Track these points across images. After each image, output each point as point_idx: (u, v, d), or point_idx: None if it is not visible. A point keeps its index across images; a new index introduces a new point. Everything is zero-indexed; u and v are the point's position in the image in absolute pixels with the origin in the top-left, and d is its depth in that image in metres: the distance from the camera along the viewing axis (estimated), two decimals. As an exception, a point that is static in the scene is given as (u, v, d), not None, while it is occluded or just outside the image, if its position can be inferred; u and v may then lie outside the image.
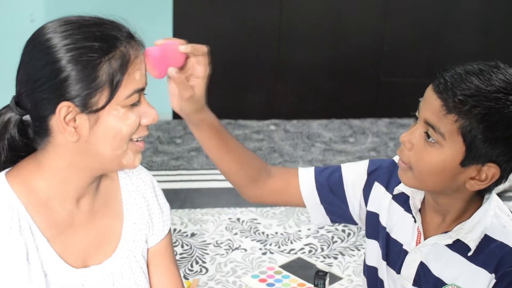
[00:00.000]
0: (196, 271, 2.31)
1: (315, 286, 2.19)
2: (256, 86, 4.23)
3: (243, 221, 2.66)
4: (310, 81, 4.25)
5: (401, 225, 1.38)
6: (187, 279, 2.26)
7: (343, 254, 2.44)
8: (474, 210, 1.29)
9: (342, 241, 2.53)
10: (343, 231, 2.61)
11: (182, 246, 2.46)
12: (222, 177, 3.26)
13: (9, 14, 3.93)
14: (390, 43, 4.23)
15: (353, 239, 2.55)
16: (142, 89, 1.22)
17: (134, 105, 1.20)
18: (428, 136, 1.23)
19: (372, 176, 1.44)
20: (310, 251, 2.46)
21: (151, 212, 1.39)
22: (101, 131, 1.18)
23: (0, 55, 3.72)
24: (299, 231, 2.60)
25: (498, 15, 4.26)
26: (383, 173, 1.43)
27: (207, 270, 2.33)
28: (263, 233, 2.58)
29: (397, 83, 4.31)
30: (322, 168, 1.50)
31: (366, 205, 1.45)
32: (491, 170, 1.22)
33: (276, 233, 2.59)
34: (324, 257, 2.42)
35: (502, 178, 1.25)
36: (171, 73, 1.29)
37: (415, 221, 1.35)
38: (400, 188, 1.37)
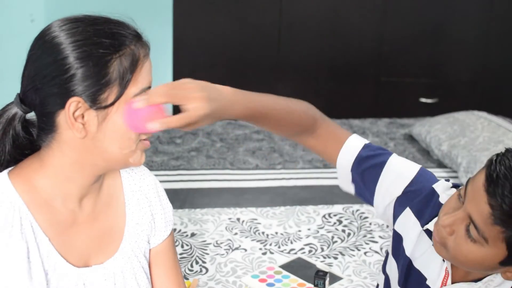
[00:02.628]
0: (196, 271, 2.31)
1: (315, 286, 2.19)
2: (256, 86, 4.22)
3: (243, 221, 2.66)
4: (310, 81, 4.25)
5: (428, 259, 1.34)
6: (187, 279, 2.26)
7: (343, 254, 2.44)
8: None
9: (342, 241, 2.53)
10: (343, 231, 2.61)
11: (182, 246, 2.46)
12: (222, 177, 3.26)
13: (9, 14, 3.93)
14: (390, 43, 4.23)
15: (353, 239, 2.55)
16: (149, 88, 1.23)
17: None
18: (469, 232, 1.18)
19: (407, 197, 1.37)
20: (310, 251, 2.46)
21: (154, 212, 1.39)
22: (110, 128, 1.19)
23: (0, 55, 3.72)
24: (299, 231, 2.60)
25: (498, 15, 4.26)
26: (419, 201, 1.36)
27: (207, 270, 2.33)
28: (263, 233, 2.58)
29: (397, 83, 4.31)
30: (368, 152, 1.42)
31: (394, 220, 1.40)
32: None
33: (276, 233, 2.59)
34: (324, 257, 2.42)
35: None
36: (149, 128, 1.21)
37: (443, 260, 1.31)
38: (429, 227, 1.32)
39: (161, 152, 3.39)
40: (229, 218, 2.68)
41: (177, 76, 4.12)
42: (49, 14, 3.90)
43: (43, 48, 1.19)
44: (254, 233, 2.58)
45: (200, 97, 1.21)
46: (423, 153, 3.53)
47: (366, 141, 1.45)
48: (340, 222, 2.68)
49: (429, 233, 1.33)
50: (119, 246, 1.33)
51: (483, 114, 3.61)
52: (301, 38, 4.18)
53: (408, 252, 1.37)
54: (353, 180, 1.44)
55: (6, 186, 1.22)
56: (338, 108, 4.24)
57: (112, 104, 1.18)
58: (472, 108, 4.00)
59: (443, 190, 1.34)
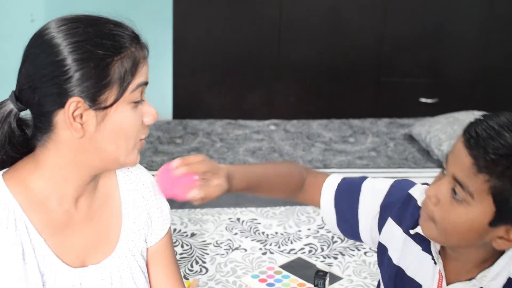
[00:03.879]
0: (196, 271, 2.31)
1: (315, 286, 2.19)
2: (256, 86, 4.23)
3: (243, 221, 2.66)
4: (310, 81, 4.25)
5: (419, 265, 1.33)
6: (187, 279, 2.26)
7: (343, 254, 2.44)
8: (497, 255, 1.24)
9: (342, 241, 2.53)
10: (343, 231, 2.61)
11: (182, 246, 2.46)
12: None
13: (9, 14, 3.93)
14: (390, 43, 4.23)
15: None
16: (145, 84, 1.23)
17: (137, 103, 1.22)
18: (455, 193, 1.17)
19: (385, 210, 1.39)
20: (310, 251, 2.46)
21: (150, 211, 1.39)
22: (108, 128, 1.19)
23: (0, 55, 3.72)
24: (299, 231, 2.60)
25: (498, 14, 4.26)
26: (397, 209, 1.37)
27: (207, 270, 2.32)
28: (263, 233, 2.58)
29: (397, 83, 4.31)
30: (344, 185, 1.47)
31: (379, 233, 1.41)
32: None
33: (276, 233, 2.59)
34: (324, 257, 2.42)
35: None
36: (191, 196, 1.31)
37: (435, 263, 1.30)
38: (418, 230, 1.32)
39: (161, 152, 3.39)
40: (229, 218, 2.68)
41: (177, 76, 4.12)
42: (49, 14, 3.90)
43: (42, 48, 1.18)
44: (254, 233, 2.58)
45: (222, 175, 1.31)
46: (423, 153, 3.53)
47: (343, 176, 1.49)
48: (340, 222, 2.68)
49: (415, 238, 1.33)
50: (116, 246, 1.33)
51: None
52: (301, 38, 4.17)
53: (395, 261, 1.37)
54: (339, 221, 1.47)
55: (1, 188, 1.21)
56: (338, 108, 4.24)
57: (112, 105, 1.18)
58: (472, 108, 4.00)
59: (421, 193, 1.34)
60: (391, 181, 1.43)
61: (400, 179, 1.45)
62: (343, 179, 1.48)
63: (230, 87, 4.19)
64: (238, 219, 2.68)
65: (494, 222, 1.16)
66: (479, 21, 4.26)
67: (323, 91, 4.27)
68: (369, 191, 1.43)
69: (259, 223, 2.65)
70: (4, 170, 1.26)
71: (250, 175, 1.42)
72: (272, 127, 3.85)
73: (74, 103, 1.16)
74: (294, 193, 1.50)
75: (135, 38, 1.22)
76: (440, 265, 1.29)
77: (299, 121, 3.96)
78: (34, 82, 1.18)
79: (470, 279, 1.26)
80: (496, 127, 1.14)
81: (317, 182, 1.50)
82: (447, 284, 1.29)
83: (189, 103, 4.15)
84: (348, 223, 1.46)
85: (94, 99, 1.17)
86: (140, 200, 1.38)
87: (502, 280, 1.23)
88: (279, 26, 4.15)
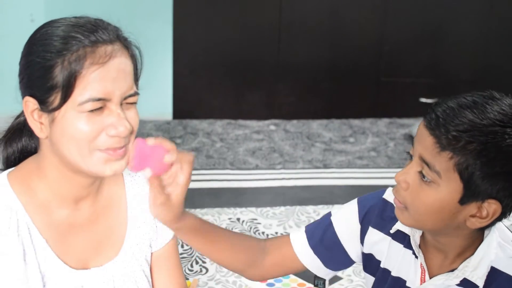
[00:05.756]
0: (196, 271, 2.31)
1: (315, 286, 2.19)
2: (256, 86, 4.23)
3: (243, 221, 2.66)
4: (310, 81, 4.25)
5: (402, 262, 1.34)
6: (187, 279, 2.26)
7: (343, 254, 2.44)
8: (477, 244, 1.25)
9: (342, 241, 2.53)
10: (343, 231, 2.61)
11: (182, 246, 2.46)
12: (222, 177, 3.26)
13: (9, 14, 3.93)
14: (390, 43, 4.23)
15: (353, 239, 2.55)
16: (103, 99, 1.14)
17: (94, 113, 1.14)
18: (424, 176, 1.18)
19: (365, 222, 1.39)
20: (310, 251, 2.46)
21: None
22: (58, 132, 1.16)
23: (0, 55, 3.72)
24: (299, 231, 2.60)
25: (498, 14, 4.26)
26: (375, 216, 1.37)
27: (207, 270, 2.32)
28: (263, 233, 2.58)
29: (397, 83, 4.31)
30: (313, 228, 1.43)
31: (362, 245, 1.41)
32: (492, 207, 1.16)
33: (276, 233, 2.59)
34: (324, 257, 2.42)
35: (504, 214, 1.19)
36: (145, 176, 1.15)
37: (416, 257, 1.31)
38: (397, 227, 1.32)
39: (161, 152, 3.39)
40: (229, 218, 2.68)
41: (177, 76, 4.12)
42: (49, 14, 3.90)
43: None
44: (254, 233, 2.58)
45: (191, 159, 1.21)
46: (423, 153, 3.53)
47: (302, 228, 1.47)
48: (340, 222, 2.67)
49: (397, 237, 1.34)
50: (120, 249, 1.32)
51: (483, 114, 3.61)
52: (301, 38, 4.17)
53: (382, 264, 1.37)
54: (324, 263, 1.44)
55: (4, 188, 1.22)
56: (338, 108, 4.24)
57: (57, 108, 1.14)
58: (472, 108, 3.99)
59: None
60: (355, 200, 1.42)
61: (361, 196, 1.44)
62: (307, 227, 1.45)
63: (230, 87, 4.19)
64: (238, 219, 2.68)
65: (464, 199, 1.17)
66: (479, 21, 4.26)
67: (323, 91, 4.26)
68: (341, 219, 1.42)
69: (259, 223, 2.65)
70: (9, 170, 1.26)
71: (207, 223, 1.33)
72: (272, 127, 3.85)
73: (29, 103, 1.17)
74: (256, 261, 1.41)
75: (99, 41, 1.15)
76: (421, 259, 1.30)
77: (299, 121, 3.97)
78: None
79: (452, 271, 1.26)
80: (455, 107, 1.16)
81: (281, 241, 1.44)
82: (430, 277, 1.29)
83: (189, 103, 4.15)
84: (335, 259, 1.44)
85: (42, 100, 1.16)
86: (146, 205, 1.36)
87: (484, 269, 1.23)
88: (279, 26, 4.14)
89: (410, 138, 3.70)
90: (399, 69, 4.29)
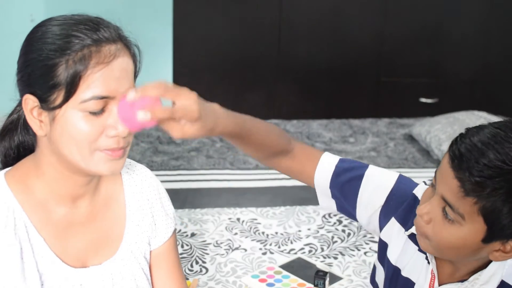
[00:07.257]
0: (196, 271, 2.31)
1: (315, 286, 2.19)
2: (256, 86, 4.23)
3: (243, 221, 2.66)
4: (310, 81, 4.25)
5: (414, 264, 1.34)
6: (187, 279, 2.26)
7: (343, 254, 2.44)
8: (490, 260, 1.24)
9: (342, 241, 2.53)
10: (343, 231, 2.61)
11: (182, 246, 2.46)
12: (222, 177, 3.25)
13: (9, 14, 3.93)
14: (390, 43, 4.23)
15: (353, 239, 2.55)
16: (106, 97, 1.15)
17: (96, 113, 1.15)
18: (446, 213, 1.17)
19: (390, 206, 1.38)
20: (310, 251, 2.46)
21: (155, 214, 1.38)
22: (58, 131, 1.16)
23: (0, 55, 3.72)
24: (299, 231, 2.60)
25: (498, 14, 4.26)
26: (402, 210, 1.37)
27: (207, 270, 2.33)
28: (263, 233, 2.58)
29: (397, 83, 4.31)
30: (344, 168, 1.42)
31: (380, 230, 1.40)
32: None
33: (276, 233, 2.59)
34: (324, 257, 2.42)
35: None
36: (140, 117, 1.12)
37: (428, 262, 1.31)
38: (413, 230, 1.32)
39: (161, 152, 3.39)
40: (229, 218, 2.68)
41: (177, 76, 4.12)
42: (49, 14, 3.90)
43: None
44: (254, 233, 2.58)
45: (191, 96, 1.13)
46: (423, 153, 3.53)
47: (340, 157, 1.46)
48: (340, 222, 2.68)
49: (413, 239, 1.33)
50: (118, 248, 1.33)
51: (483, 114, 3.61)
52: (301, 39, 4.18)
53: (393, 261, 1.37)
54: (333, 196, 1.45)
55: (2, 187, 1.22)
56: (338, 108, 4.24)
57: (59, 106, 1.14)
58: (472, 108, 4.00)
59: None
60: (396, 175, 1.41)
61: (403, 175, 1.43)
62: (342, 161, 1.44)
63: (230, 87, 4.19)
64: (238, 219, 2.68)
65: (487, 239, 1.16)
66: (479, 21, 4.26)
67: (323, 91, 4.27)
68: (372, 182, 1.40)
69: (259, 223, 2.65)
70: (7, 169, 1.26)
71: (243, 121, 1.28)
72: (272, 127, 3.85)
73: (29, 100, 1.17)
74: (279, 155, 1.42)
75: (102, 40, 1.15)
76: (433, 265, 1.29)
77: (299, 121, 3.97)
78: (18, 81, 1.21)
79: (462, 281, 1.26)
80: (479, 145, 1.13)
81: (311, 154, 1.44)
82: (439, 284, 1.29)
83: (189, 103, 4.15)
84: (344, 205, 1.44)
85: (44, 99, 1.15)
86: (144, 203, 1.37)
87: (495, 283, 1.23)
88: (279, 26, 4.15)
89: (410, 138, 3.70)
90: (399, 69, 4.29)
